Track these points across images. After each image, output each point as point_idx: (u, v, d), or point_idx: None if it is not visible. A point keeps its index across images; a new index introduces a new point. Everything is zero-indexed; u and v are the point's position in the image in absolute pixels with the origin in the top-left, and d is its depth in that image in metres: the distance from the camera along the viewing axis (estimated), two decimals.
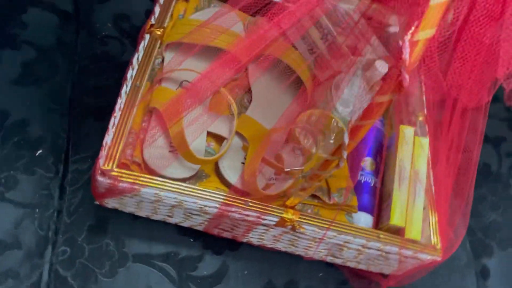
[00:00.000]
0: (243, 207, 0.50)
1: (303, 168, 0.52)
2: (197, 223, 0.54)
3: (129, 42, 0.67)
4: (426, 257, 0.55)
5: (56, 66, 0.62)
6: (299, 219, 0.51)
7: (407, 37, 0.35)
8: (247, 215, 0.50)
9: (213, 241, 0.57)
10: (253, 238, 0.56)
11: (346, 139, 0.40)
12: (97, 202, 0.53)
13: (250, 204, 0.50)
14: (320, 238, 0.52)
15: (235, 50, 0.45)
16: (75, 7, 0.68)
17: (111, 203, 0.52)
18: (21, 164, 0.54)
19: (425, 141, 0.59)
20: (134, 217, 0.54)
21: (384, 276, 0.61)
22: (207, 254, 0.56)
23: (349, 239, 0.53)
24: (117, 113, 0.50)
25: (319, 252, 0.57)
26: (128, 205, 0.52)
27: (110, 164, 0.47)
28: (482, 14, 0.33)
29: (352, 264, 0.59)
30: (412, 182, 0.57)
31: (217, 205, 0.49)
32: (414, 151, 0.58)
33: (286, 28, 0.66)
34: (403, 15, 0.35)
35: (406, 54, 0.35)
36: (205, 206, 0.49)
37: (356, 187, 0.60)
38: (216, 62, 0.47)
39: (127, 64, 0.65)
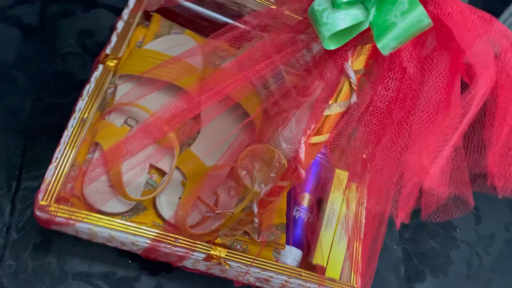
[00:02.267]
0: (172, 243, 0.54)
1: (232, 211, 0.55)
2: (134, 250, 0.58)
3: (90, 60, 0.69)
4: None
5: (15, 82, 0.65)
6: (225, 256, 0.56)
7: (304, 139, 0.38)
8: (176, 251, 0.55)
9: (149, 263, 0.61)
10: (187, 264, 0.60)
11: (255, 209, 0.44)
12: None
13: (180, 241, 0.54)
14: (245, 272, 0.57)
15: (191, 91, 0.47)
16: (41, 21, 0.69)
17: (53, 226, 0.56)
18: None
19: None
20: (76, 238, 0.59)
21: None
22: (143, 275, 0.61)
23: (272, 275, 0.58)
24: (61, 147, 0.54)
25: (249, 279, 0.62)
26: (68, 231, 0.56)
27: (48, 199, 0.51)
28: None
29: None
30: (339, 225, 0.61)
31: (148, 241, 0.53)
32: (346, 195, 0.62)
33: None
34: (303, 119, 0.38)
35: (301, 155, 0.38)
36: (137, 241, 0.53)
37: (290, 222, 0.64)
38: (169, 104, 0.49)
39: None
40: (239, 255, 0.56)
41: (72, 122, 0.55)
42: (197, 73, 0.65)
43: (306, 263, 0.64)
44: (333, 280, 0.60)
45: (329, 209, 0.61)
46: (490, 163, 0.30)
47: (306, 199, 0.65)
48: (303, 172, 0.39)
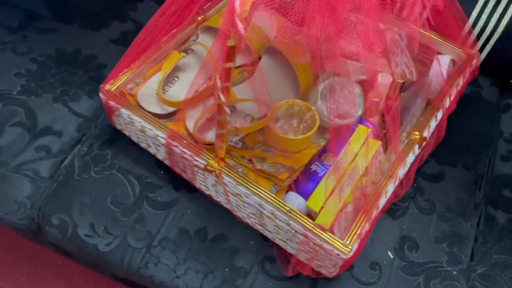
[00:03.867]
0: (181, 143, 0.61)
1: (236, 128, 0.60)
2: (163, 156, 0.67)
3: None
4: (331, 248, 0.54)
5: None
6: (221, 168, 0.59)
7: None
8: (184, 152, 0.61)
9: (177, 179, 0.69)
10: (202, 185, 0.65)
11: (219, 83, 0.49)
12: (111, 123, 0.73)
13: (190, 143, 0.61)
14: (239, 194, 0.59)
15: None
16: None
17: (117, 124, 0.71)
18: (87, 89, 0.79)
19: (375, 143, 0.58)
20: (132, 143, 0.72)
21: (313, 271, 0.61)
22: (168, 187, 0.69)
23: (260, 202, 0.58)
24: (139, 61, 0.70)
25: (249, 217, 0.62)
26: (124, 129, 0.70)
27: (111, 87, 0.67)
28: None
29: (281, 243, 0.62)
30: (345, 176, 0.57)
31: (164, 136, 0.62)
32: (361, 149, 0.58)
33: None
34: None
35: (236, 3, 0.43)
36: (157, 135, 0.63)
37: (305, 174, 0.63)
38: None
39: None
40: (233, 171, 0.59)
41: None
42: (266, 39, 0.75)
43: None
44: (322, 228, 0.55)
45: (338, 158, 0.58)
46: None
47: (330, 159, 0.63)
48: (240, 25, 0.43)
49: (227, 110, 0.52)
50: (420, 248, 0.66)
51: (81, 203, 0.68)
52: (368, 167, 0.57)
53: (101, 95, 0.67)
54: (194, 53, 0.74)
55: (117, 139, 0.73)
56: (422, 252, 0.66)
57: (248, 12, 0.43)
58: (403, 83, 0.70)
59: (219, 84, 0.49)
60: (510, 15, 0.74)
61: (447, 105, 0.68)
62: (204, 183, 0.64)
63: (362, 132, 0.59)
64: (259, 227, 0.63)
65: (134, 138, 0.70)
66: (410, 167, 0.64)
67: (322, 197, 0.57)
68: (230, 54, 0.46)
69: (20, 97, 0.76)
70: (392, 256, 0.65)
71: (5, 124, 0.73)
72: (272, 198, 0.57)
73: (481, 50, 0.79)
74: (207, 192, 0.66)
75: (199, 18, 0.76)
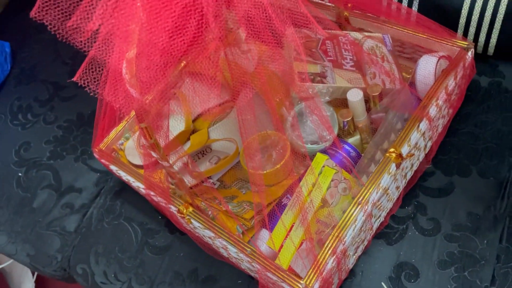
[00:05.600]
0: (156, 192, 0.64)
1: (203, 172, 0.61)
2: (149, 199, 0.71)
3: None
4: None
5: None
6: (189, 214, 0.61)
7: (128, 55, 0.45)
8: (160, 201, 0.64)
9: (171, 223, 0.72)
10: (188, 228, 0.67)
11: (155, 155, 0.51)
12: None
13: (163, 191, 0.64)
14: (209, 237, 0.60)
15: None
16: None
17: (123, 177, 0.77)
18: None
19: (330, 172, 0.54)
20: (136, 192, 0.77)
21: None
22: (164, 230, 0.72)
23: (225, 245, 0.58)
24: (129, 120, 0.76)
25: (231, 257, 0.62)
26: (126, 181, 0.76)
27: (103, 147, 0.73)
28: None
29: (264, 282, 0.61)
30: (302, 210, 0.54)
31: (142, 186, 0.66)
32: (319, 179, 0.55)
33: None
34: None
35: (124, 70, 0.45)
36: (139, 187, 0.67)
37: (277, 209, 0.61)
38: None
39: None
40: (202, 216, 0.60)
41: None
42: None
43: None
44: (279, 268, 0.53)
45: (297, 192, 0.55)
46: None
47: None
48: (132, 91, 0.44)
49: (164, 164, 0.53)
50: (421, 276, 0.59)
51: (96, 252, 0.76)
52: (327, 197, 0.54)
53: (95, 155, 0.74)
54: (177, 100, 0.77)
55: (125, 189, 0.79)
56: (423, 280, 0.59)
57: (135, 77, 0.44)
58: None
59: (145, 143, 0.51)
60: None
61: (435, 114, 0.61)
62: (189, 226, 0.67)
63: (319, 160, 0.56)
64: (243, 267, 0.62)
65: (130, 185, 0.76)
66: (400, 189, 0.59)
67: (282, 235, 0.55)
68: (139, 116, 0.48)
69: (48, 162, 0.87)
70: None
71: (38, 188, 0.85)
72: (234, 240, 0.57)
73: (488, 36, 0.69)
74: (196, 234, 0.68)
75: (182, 64, 0.79)
